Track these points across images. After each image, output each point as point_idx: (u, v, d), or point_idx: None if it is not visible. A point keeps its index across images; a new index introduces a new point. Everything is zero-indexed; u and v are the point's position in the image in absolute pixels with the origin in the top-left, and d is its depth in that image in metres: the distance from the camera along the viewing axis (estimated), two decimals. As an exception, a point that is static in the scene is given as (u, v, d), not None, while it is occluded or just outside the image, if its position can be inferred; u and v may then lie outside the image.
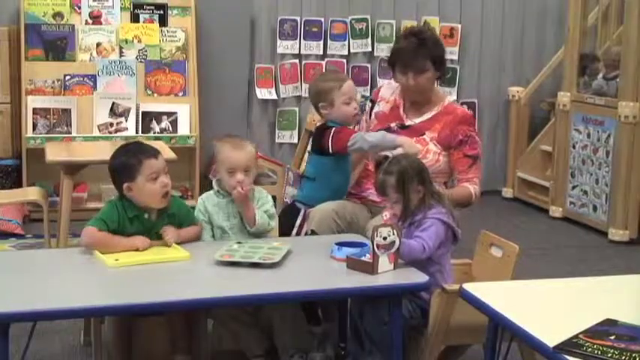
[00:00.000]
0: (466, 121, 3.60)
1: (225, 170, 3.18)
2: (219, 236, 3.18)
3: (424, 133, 3.56)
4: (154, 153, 3.04)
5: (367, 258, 2.81)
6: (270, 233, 3.27)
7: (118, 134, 5.72)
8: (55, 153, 4.37)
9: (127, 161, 3.00)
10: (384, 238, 2.76)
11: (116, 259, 2.81)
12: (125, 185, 2.97)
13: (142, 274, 2.75)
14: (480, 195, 3.59)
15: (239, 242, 3.03)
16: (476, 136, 3.60)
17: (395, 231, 2.78)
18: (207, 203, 3.23)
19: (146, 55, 5.98)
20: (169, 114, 5.93)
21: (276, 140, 6.46)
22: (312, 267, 2.90)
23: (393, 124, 3.62)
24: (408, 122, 3.62)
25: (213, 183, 3.28)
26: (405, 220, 3.00)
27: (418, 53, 3.52)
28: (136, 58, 5.95)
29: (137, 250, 2.89)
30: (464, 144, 3.55)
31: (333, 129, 3.49)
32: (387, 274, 2.78)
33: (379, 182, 3.05)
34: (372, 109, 3.76)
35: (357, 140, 3.38)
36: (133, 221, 2.98)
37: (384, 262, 2.77)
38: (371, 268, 2.76)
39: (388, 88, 3.78)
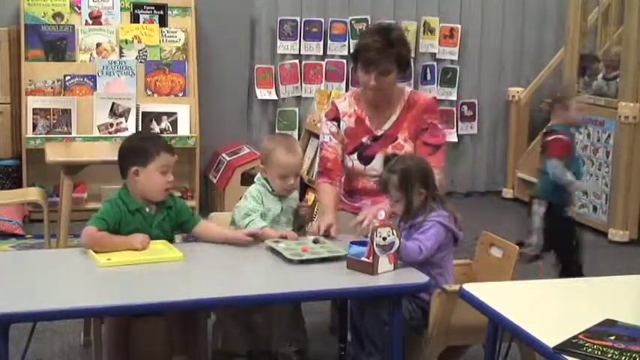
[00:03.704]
0: (429, 110, 3.48)
1: (277, 174, 3.18)
2: (270, 223, 3.16)
3: (397, 138, 3.46)
4: (171, 149, 3.06)
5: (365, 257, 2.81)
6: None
7: (118, 134, 5.71)
8: (55, 153, 4.38)
9: (144, 146, 2.99)
10: (384, 239, 2.76)
11: (108, 259, 2.81)
12: (134, 169, 2.96)
13: (141, 275, 2.75)
14: (445, 183, 3.46)
15: (276, 241, 3.03)
16: (438, 124, 3.49)
17: (394, 231, 2.78)
18: (263, 196, 3.20)
19: (146, 56, 5.98)
20: (169, 114, 5.93)
21: (276, 140, 6.45)
22: (312, 267, 2.90)
23: (364, 139, 3.48)
24: (378, 132, 3.48)
25: (261, 179, 3.24)
26: (406, 220, 3.00)
27: (384, 54, 3.34)
28: (136, 58, 5.95)
29: (136, 249, 2.89)
30: (424, 132, 3.44)
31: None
32: (387, 275, 2.77)
33: (383, 179, 3.05)
34: (339, 127, 3.51)
35: None
36: (135, 214, 2.97)
37: (384, 263, 2.77)
38: (371, 269, 2.76)
39: (343, 102, 3.57)
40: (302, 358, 3.22)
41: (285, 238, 3.06)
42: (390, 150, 3.43)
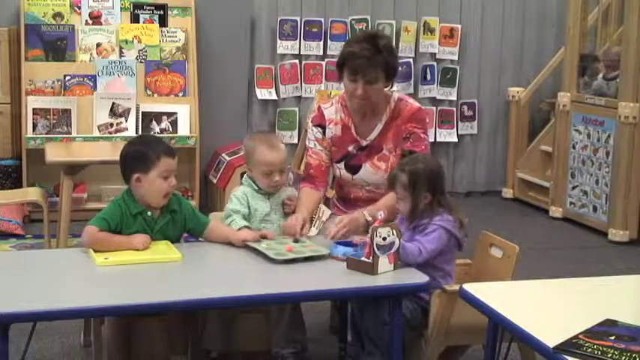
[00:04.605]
0: (413, 119, 3.38)
1: (261, 172, 3.18)
2: (258, 224, 3.17)
3: (382, 149, 3.39)
4: (172, 152, 3.03)
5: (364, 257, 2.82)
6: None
7: (118, 134, 5.72)
8: (55, 153, 4.37)
9: (145, 152, 2.98)
10: (384, 239, 2.76)
11: (105, 258, 2.82)
12: (136, 176, 2.96)
13: (141, 275, 2.75)
14: None
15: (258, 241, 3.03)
16: (422, 133, 3.36)
17: (394, 231, 2.78)
18: (249, 196, 3.20)
19: (146, 56, 5.98)
20: (169, 114, 5.93)
21: (276, 140, 6.45)
22: (312, 267, 2.90)
23: (350, 148, 3.41)
24: (364, 143, 3.39)
25: (247, 179, 3.25)
26: (410, 221, 3.00)
27: (372, 62, 3.23)
28: (136, 58, 5.95)
29: (137, 249, 2.88)
30: (406, 140, 3.35)
31: None
32: (387, 275, 2.77)
33: (392, 175, 3.04)
34: (324, 133, 3.44)
35: None
36: (137, 218, 2.97)
37: (384, 263, 2.77)
38: (371, 269, 2.76)
39: (329, 108, 3.47)
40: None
41: (265, 237, 3.05)
42: (376, 161, 3.38)
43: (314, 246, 3.01)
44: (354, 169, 3.42)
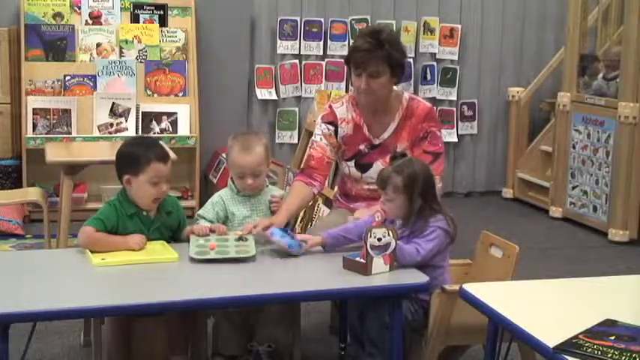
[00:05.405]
0: (428, 118, 3.41)
1: (235, 174, 3.18)
2: (237, 227, 3.15)
3: (396, 147, 3.38)
4: (165, 158, 3.02)
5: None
6: None
7: (118, 134, 5.72)
8: (55, 153, 4.37)
9: (137, 155, 2.98)
10: (379, 240, 2.75)
11: (102, 259, 2.82)
12: (126, 177, 2.98)
13: (141, 275, 2.75)
14: (442, 192, 3.35)
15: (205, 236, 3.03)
16: (437, 131, 3.42)
17: (390, 232, 2.77)
18: (225, 200, 3.20)
19: (146, 56, 5.98)
20: (169, 114, 5.93)
21: (276, 140, 6.47)
22: (311, 267, 2.90)
23: (362, 147, 3.42)
24: (376, 141, 3.41)
25: (230, 180, 3.26)
26: (403, 224, 2.99)
27: (374, 55, 3.25)
28: (136, 58, 5.95)
29: (133, 249, 2.89)
30: (424, 140, 3.38)
31: None
32: (384, 275, 2.77)
33: (384, 175, 2.99)
34: (336, 132, 3.44)
35: None
36: (133, 218, 2.98)
37: (379, 264, 2.77)
38: (364, 269, 2.76)
39: (340, 107, 3.47)
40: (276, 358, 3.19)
41: (213, 232, 3.04)
42: (388, 159, 3.33)
43: (248, 246, 2.94)
44: (364, 168, 3.43)
